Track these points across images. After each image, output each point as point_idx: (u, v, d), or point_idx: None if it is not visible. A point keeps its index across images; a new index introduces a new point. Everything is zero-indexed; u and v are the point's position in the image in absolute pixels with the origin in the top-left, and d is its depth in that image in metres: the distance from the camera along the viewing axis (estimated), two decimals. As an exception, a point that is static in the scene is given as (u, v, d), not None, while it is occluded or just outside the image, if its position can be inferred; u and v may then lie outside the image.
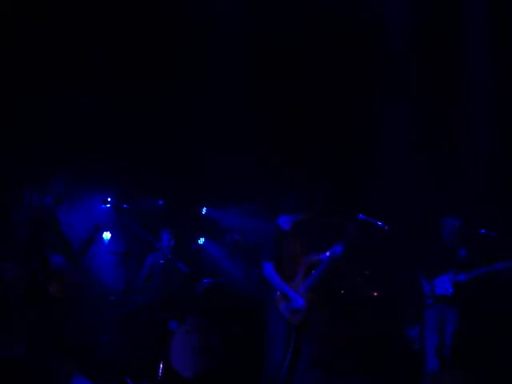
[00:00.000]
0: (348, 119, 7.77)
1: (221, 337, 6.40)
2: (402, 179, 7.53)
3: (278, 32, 7.30)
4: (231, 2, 7.28)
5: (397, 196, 7.41)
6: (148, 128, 7.13)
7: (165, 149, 7.36)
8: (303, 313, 5.19)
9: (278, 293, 5.24)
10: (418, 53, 7.68)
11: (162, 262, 6.67)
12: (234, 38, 7.29)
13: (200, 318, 6.48)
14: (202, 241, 7.78)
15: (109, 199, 6.21)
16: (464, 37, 7.66)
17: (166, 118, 7.31)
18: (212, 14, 7.21)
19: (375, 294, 7.29)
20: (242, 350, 6.70)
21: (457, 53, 7.72)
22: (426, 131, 7.74)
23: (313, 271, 5.39)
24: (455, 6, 7.55)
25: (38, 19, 6.33)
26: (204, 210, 7.93)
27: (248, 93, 7.48)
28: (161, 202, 7.63)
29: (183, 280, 6.72)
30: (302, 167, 7.60)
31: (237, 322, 6.98)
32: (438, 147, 7.71)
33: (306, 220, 5.48)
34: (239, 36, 7.30)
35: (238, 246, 7.98)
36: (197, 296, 6.75)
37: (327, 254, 5.42)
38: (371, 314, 7.06)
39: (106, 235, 6.96)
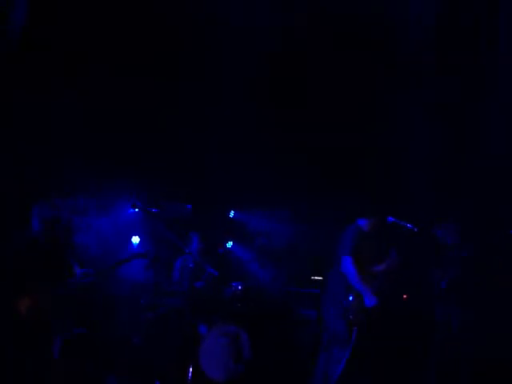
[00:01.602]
0: (360, 121, 7.74)
1: (249, 340, 6.38)
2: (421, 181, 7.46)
3: (279, 31, 7.28)
4: (231, 1, 7.28)
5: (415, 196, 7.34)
6: (157, 130, 7.16)
7: (189, 153, 7.43)
8: (370, 314, 5.41)
9: (352, 298, 5.45)
10: (425, 55, 7.63)
11: (191, 265, 6.69)
12: (234, 38, 7.27)
13: (229, 321, 6.47)
14: (230, 244, 7.83)
15: (138, 203, 6.22)
16: (465, 35, 7.60)
17: (180, 120, 7.35)
18: (212, 14, 7.21)
19: (404, 296, 7.24)
20: (270, 354, 6.71)
21: (459, 52, 7.67)
22: (428, 132, 7.69)
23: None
24: (456, 4, 7.51)
25: (38, 19, 6.33)
26: (232, 214, 7.95)
27: (248, 93, 7.47)
28: (189, 206, 7.65)
29: (212, 283, 6.76)
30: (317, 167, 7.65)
31: (265, 326, 7.01)
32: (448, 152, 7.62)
33: (379, 224, 5.82)
34: (239, 36, 7.28)
35: (266, 249, 8.03)
36: (226, 299, 6.82)
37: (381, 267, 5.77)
38: (401, 317, 6.99)
39: (135, 239, 7.04)
